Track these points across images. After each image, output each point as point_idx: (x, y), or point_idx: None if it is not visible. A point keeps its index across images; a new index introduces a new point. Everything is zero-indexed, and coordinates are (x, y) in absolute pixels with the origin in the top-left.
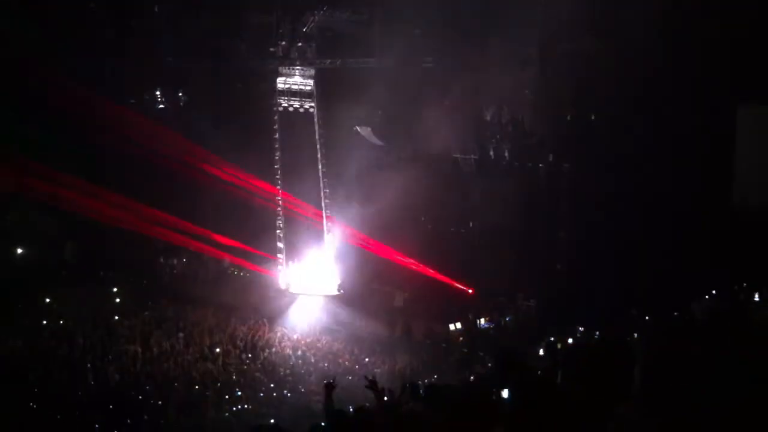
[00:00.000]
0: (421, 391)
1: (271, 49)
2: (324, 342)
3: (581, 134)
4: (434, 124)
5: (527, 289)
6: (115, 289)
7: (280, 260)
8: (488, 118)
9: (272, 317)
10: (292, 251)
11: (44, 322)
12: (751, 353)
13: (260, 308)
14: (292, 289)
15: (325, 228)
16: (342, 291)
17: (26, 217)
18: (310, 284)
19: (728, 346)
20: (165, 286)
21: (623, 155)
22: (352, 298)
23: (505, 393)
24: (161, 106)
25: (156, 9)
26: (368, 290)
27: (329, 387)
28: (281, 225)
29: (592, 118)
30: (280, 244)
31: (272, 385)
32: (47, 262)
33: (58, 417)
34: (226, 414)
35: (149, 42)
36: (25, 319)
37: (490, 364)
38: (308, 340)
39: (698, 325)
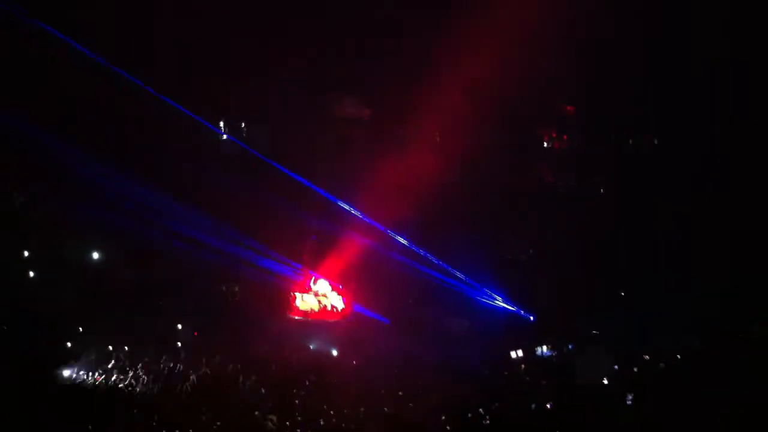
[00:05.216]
0: (484, 421)
1: None
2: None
3: (639, 156)
4: (489, 150)
5: (590, 315)
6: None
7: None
8: (545, 143)
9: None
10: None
11: (110, 347)
12: None
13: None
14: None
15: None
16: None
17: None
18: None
19: None
20: (225, 313)
21: (686, 176)
22: (408, 326)
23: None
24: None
25: None
26: (424, 317)
27: None
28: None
29: (655, 142)
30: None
31: (332, 412)
32: (109, 290)
33: None
34: None
35: None
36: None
37: (552, 396)
38: (365, 368)
39: (757, 346)
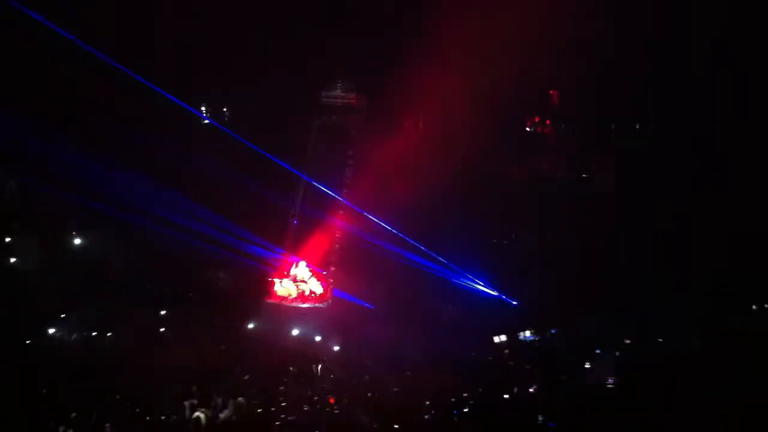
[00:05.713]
0: (466, 408)
1: None
2: (366, 356)
3: (632, 148)
4: (480, 139)
5: (574, 301)
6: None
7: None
8: (532, 130)
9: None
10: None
11: (93, 333)
12: None
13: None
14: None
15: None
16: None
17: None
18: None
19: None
20: (212, 298)
21: (681, 170)
22: (394, 312)
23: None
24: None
25: None
26: (407, 302)
27: None
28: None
29: (646, 127)
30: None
31: (316, 398)
32: (98, 277)
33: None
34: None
35: None
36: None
37: (536, 380)
38: (350, 355)
39: (737, 340)
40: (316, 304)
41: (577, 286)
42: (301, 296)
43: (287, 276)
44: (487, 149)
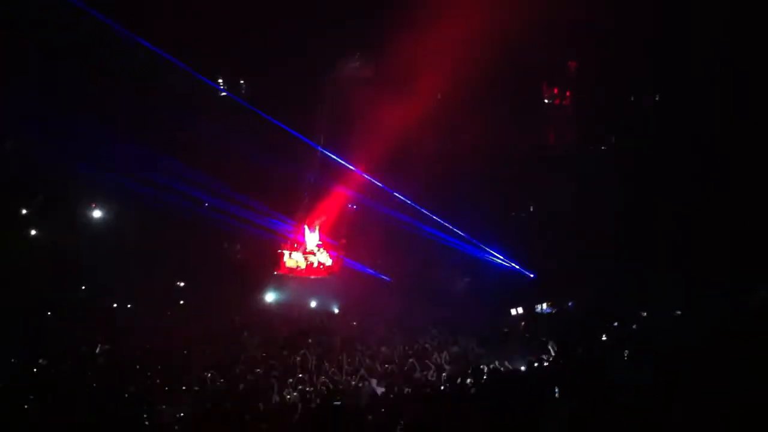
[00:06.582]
0: (484, 376)
1: None
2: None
3: (641, 119)
4: (497, 109)
5: (590, 273)
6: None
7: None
8: (547, 101)
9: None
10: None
11: (114, 305)
12: None
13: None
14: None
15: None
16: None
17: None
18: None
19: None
20: (228, 270)
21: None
22: (408, 284)
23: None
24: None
25: None
26: (425, 276)
27: None
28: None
29: (657, 98)
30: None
31: (333, 370)
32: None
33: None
34: (288, 397)
35: None
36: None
37: (552, 352)
38: (364, 326)
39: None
40: (325, 276)
41: (596, 259)
42: (309, 267)
43: (297, 248)
44: (504, 119)
